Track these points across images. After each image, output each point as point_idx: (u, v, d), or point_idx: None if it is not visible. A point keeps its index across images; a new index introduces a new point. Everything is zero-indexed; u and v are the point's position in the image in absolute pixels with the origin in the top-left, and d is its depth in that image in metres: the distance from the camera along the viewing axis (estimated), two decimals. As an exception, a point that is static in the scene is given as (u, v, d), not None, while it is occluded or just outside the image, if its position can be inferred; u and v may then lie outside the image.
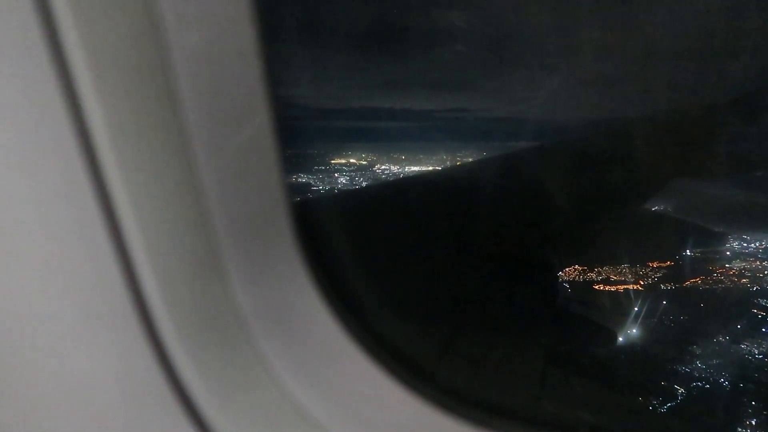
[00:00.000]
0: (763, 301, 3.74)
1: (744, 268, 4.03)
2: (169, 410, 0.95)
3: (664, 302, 3.81)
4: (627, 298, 3.84)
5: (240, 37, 0.89)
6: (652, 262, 3.99)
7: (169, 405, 0.94)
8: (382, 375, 1.06)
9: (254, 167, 0.99)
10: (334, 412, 1.05)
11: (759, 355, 3.39)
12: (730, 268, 4.05)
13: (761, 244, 4.16)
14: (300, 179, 5.21)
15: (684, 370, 3.41)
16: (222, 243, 0.98)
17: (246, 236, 1.03)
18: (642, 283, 3.88)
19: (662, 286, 3.87)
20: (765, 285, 3.91)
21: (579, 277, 3.67)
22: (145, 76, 0.84)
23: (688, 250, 4.14)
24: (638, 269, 3.98)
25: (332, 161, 5.86)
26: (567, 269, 3.24)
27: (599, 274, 3.79)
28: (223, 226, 0.97)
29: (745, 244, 4.19)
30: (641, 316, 3.62)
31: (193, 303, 0.97)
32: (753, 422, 2.91)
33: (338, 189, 5.31)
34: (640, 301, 3.75)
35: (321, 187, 5.27)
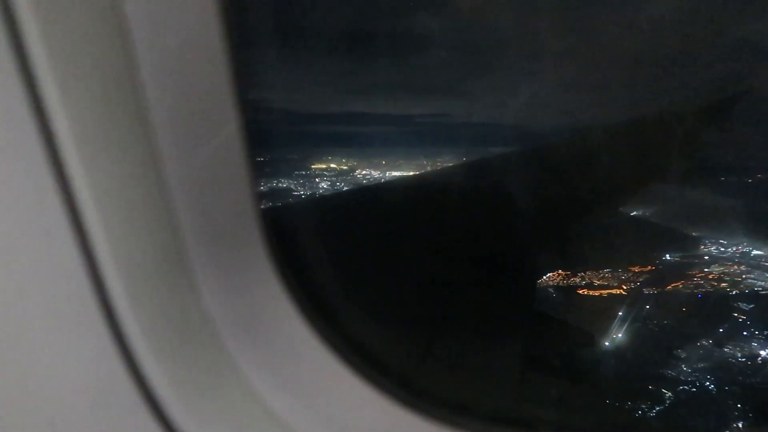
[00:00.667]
0: (742, 305, 3.79)
1: (723, 273, 4.08)
2: (136, 413, 0.91)
3: (644, 306, 3.84)
4: (605, 302, 3.87)
5: (208, 42, 0.86)
6: (631, 266, 4.02)
7: (136, 408, 0.91)
8: (351, 375, 1.05)
9: (223, 171, 0.95)
10: (303, 414, 1.03)
11: (741, 357, 3.43)
12: (710, 272, 4.09)
13: (738, 249, 4.22)
14: (281, 184, 5.19)
15: (665, 372, 3.44)
16: (190, 247, 0.96)
17: (215, 240, 0.99)
18: (621, 287, 3.91)
19: (641, 291, 3.90)
20: (744, 289, 3.96)
21: (557, 281, 3.69)
22: (111, 80, 0.86)
23: (667, 255, 4.18)
24: (617, 274, 4.01)
25: (313, 166, 5.84)
26: (545, 273, 3.25)
27: (578, 278, 3.81)
28: (192, 230, 0.96)
29: (722, 249, 4.24)
30: (620, 320, 3.64)
31: (161, 306, 0.94)
32: (733, 423, 2.94)
33: (313, 193, 5.29)
34: (618, 305, 3.78)
35: (302, 192, 5.24)
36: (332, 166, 5.95)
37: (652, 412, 3.04)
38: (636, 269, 4.00)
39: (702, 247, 4.25)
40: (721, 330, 3.58)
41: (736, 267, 4.05)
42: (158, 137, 0.89)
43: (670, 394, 3.19)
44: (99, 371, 0.89)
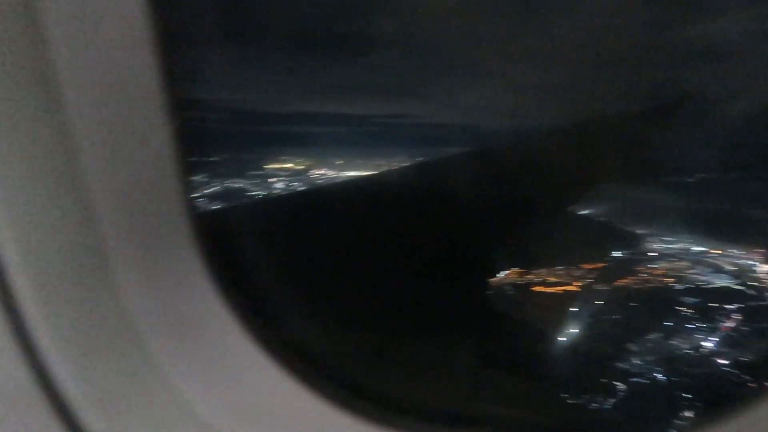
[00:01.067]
0: (688, 299, 3.95)
1: (669, 268, 4.23)
2: (40, 415, 0.88)
3: (594, 302, 3.95)
4: (555, 299, 3.95)
5: (135, 37, 0.84)
6: (581, 264, 4.13)
7: (41, 409, 0.88)
8: (284, 375, 1.03)
9: (149, 170, 0.93)
10: (229, 413, 1.01)
11: (689, 350, 3.57)
12: (656, 268, 4.23)
13: (682, 246, 4.39)
14: (235, 184, 5.12)
15: (617, 365, 3.54)
16: (111, 248, 0.93)
17: (141, 241, 0.96)
18: (571, 284, 4.01)
19: (590, 288, 4.01)
20: (688, 284, 4.12)
21: (507, 280, 3.76)
22: (26, 77, 0.79)
23: (614, 252, 4.31)
24: (566, 271, 4.11)
25: (267, 166, 5.77)
26: (493, 272, 3.30)
27: (528, 276, 3.89)
28: (114, 230, 0.92)
29: (667, 246, 4.40)
30: (571, 316, 3.74)
31: (75, 308, 0.91)
32: (683, 413, 3.06)
33: (260, 194, 5.23)
34: (570, 302, 3.87)
35: (256, 192, 5.18)
36: (287, 166, 5.90)
37: (606, 405, 3.12)
38: (586, 266, 4.11)
39: (648, 244, 4.40)
40: (669, 324, 3.72)
41: (680, 263, 4.20)
42: (76, 132, 0.86)
43: (622, 386, 3.28)
44: (4, 375, 0.87)
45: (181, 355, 1.00)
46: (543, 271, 3.93)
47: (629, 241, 4.42)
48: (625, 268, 4.18)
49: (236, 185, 5.06)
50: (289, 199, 4.44)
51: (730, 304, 3.68)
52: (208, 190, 4.65)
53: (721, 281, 3.94)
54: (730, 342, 3.48)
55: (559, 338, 3.55)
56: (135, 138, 0.90)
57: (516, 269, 3.76)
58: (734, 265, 4.04)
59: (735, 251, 4.18)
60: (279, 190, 5.29)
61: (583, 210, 4.21)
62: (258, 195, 5.16)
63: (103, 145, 0.88)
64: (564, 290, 3.89)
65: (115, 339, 0.96)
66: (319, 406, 1.01)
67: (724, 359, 3.36)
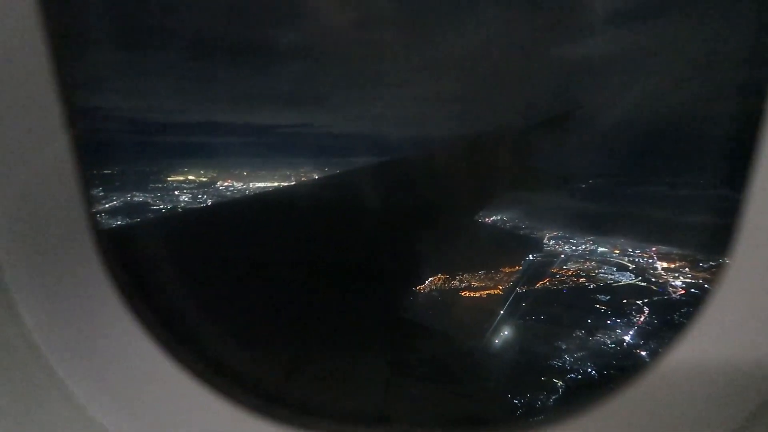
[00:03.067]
0: (601, 297, 4.23)
1: (579, 269, 4.51)
2: None
3: (514, 305, 4.11)
4: (474, 305, 4.08)
5: (31, 47, 0.81)
6: (493, 269, 4.30)
7: None
8: (194, 384, 1.00)
9: (48, 183, 0.89)
10: (139, 427, 0.98)
11: (612, 344, 3.80)
12: (568, 269, 4.49)
13: (586, 247, 4.71)
14: (136, 198, 4.81)
15: (537, 366, 3.69)
16: (7, 268, 0.90)
17: (40, 259, 0.93)
18: (486, 289, 4.15)
19: (506, 292, 4.17)
20: (599, 282, 4.41)
21: (426, 287, 3.82)
22: None
23: (528, 256, 4.53)
24: (478, 277, 4.26)
25: (169, 178, 5.48)
26: (406, 280, 3.33)
27: (435, 284, 3.98)
28: (9, 249, 0.89)
29: (574, 247, 4.70)
30: (492, 320, 3.86)
31: None
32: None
33: (166, 207, 4.98)
34: (486, 307, 4.00)
35: (160, 205, 4.90)
36: (191, 177, 5.64)
37: (536, 402, 3.23)
38: (505, 270, 4.27)
39: (556, 246, 4.67)
40: (588, 321, 3.94)
41: (588, 263, 4.50)
42: None
43: (555, 383, 3.41)
44: None
45: (85, 371, 0.97)
46: (452, 277, 4.02)
47: (538, 245, 4.65)
48: (541, 270, 4.39)
49: (138, 198, 4.76)
50: (196, 210, 4.26)
51: (639, 300, 3.98)
52: (109, 203, 4.37)
53: (626, 279, 4.25)
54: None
55: (480, 340, 3.65)
56: (30, 148, 0.86)
57: (440, 275, 3.84)
58: (634, 263, 4.38)
59: (631, 250, 4.53)
60: (184, 203, 5.05)
61: (489, 216, 4.39)
62: (162, 208, 4.88)
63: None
64: (488, 294, 4.01)
65: (15, 356, 0.93)
66: (229, 412, 1.00)
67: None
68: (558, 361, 3.45)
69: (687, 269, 4.10)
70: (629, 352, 3.58)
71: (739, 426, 0.86)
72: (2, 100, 0.82)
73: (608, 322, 3.84)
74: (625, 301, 3.96)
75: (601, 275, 4.32)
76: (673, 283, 4.07)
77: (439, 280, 3.80)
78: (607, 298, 4.07)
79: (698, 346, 0.86)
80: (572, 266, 4.46)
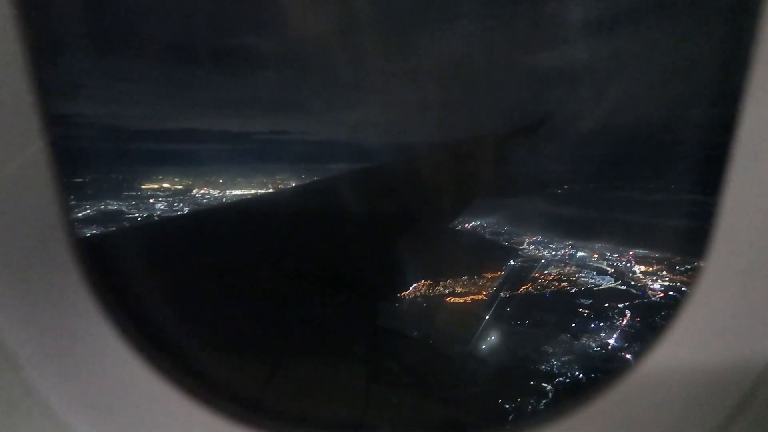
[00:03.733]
0: (584, 300, 4.27)
1: (560, 273, 4.54)
2: None
3: (498, 310, 4.11)
4: (457, 310, 4.07)
5: (6, 52, 0.81)
6: (475, 275, 4.30)
7: None
8: (173, 393, 1.00)
9: (23, 192, 0.89)
10: (105, 428, 0.98)
11: (598, 347, 3.82)
12: (549, 274, 4.53)
13: (565, 252, 4.75)
14: (110, 206, 4.71)
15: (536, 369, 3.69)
16: None
17: (15, 268, 0.92)
18: (469, 295, 4.15)
19: (489, 297, 4.18)
20: (580, 286, 4.44)
21: (413, 292, 3.81)
22: None
23: (510, 261, 4.55)
24: (461, 283, 4.26)
25: (143, 186, 5.38)
26: (385, 287, 3.30)
27: (417, 291, 3.98)
28: None
29: (554, 252, 4.73)
30: (479, 325, 3.86)
31: None
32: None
33: (140, 215, 4.90)
34: (470, 312, 4.00)
35: (135, 214, 4.81)
36: (165, 185, 5.55)
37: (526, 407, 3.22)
38: (487, 275, 4.28)
39: (536, 251, 4.70)
40: (573, 324, 3.97)
41: (568, 267, 4.53)
42: None
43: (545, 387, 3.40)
44: None
45: (62, 379, 0.96)
46: (434, 284, 4.01)
47: (517, 250, 4.68)
48: (522, 275, 4.41)
49: (113, 207, 4.66)
50: (173, 218, 4.20)
51: (620, 303, 4.02)
52: (83, 212, 4.27)
53: (606, 282, 4.30)
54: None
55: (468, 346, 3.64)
56: (5, 154, 0.85)
57: (421, 282, 3.82)
58: (613, 267, 4.43)
59: (609, 254, 4.58)
60: (160, 211, 4.96)
61: (469, 222, 4.39)
62: (138, 216, 4.79)
63: None
64: (471, 299, 4.01)
65: None
66: (209, 420, 0.99)
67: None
68: (546, 366, 3.46)
69: (664, 272, 4.17)
70: (614, 354, 3.61)
71: (718, 425, 0.87)
72: None
73: (592, 325, 3.87)
74: (606, 304, 4.00)
75: (582, 279, 4.36)
76: (652, 286, 4.13)
77: (420, 286, 3.79)
78: (589, 301, 4.10)
79: (677, 348, 0.87)
80: (553, 271, 4.50)
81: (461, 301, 3.97)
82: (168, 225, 2.99)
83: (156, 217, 4.89)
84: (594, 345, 3.67)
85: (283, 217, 2.65)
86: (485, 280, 4.17)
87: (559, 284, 4.32)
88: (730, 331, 0.84)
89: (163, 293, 1.48)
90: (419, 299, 3.79)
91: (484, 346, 3.67)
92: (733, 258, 0.83)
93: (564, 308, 4.11)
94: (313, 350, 1.97)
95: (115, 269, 1.15)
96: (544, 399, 3.21)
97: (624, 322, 3.80)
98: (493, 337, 3.78)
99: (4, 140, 0.84)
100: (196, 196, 5.36)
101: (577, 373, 3.39)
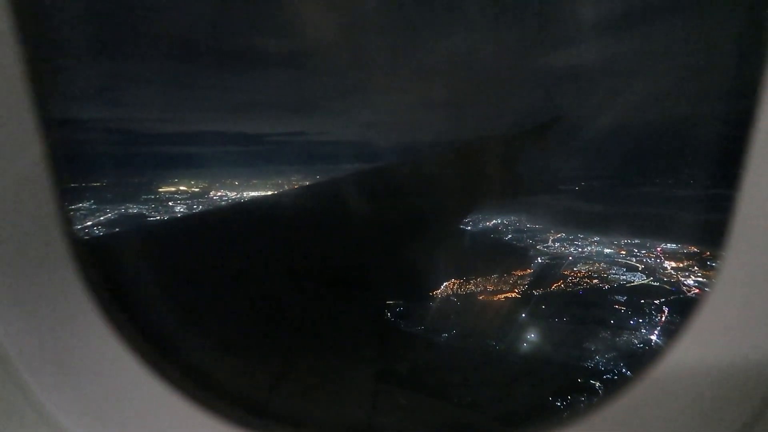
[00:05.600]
0: (618, 297, 4.25)
1: (589, 270, 4.52)
2: None
3: (531, 308, 4.09)
4: (494, 306, 4.05)
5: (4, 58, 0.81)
6: (505, 273, 4.28)
7: None
8: (178, 399, 1.00)
9: (23, 196, 0.90)
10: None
11: (641, 344, 3.80)
12: (579, 271, 4.50)
13: (592, 249, 4.72)
14: (130, 210, 4.71)
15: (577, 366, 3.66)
16: None
17: (13, 271, 0.93)
18: (510, 291, 4.13)
19: (521, 295, 4.16)
20: (613, 283, 4.43)
21: (444, 290, 3.79)
22: None
23: (538, 259, 4.53)
24: (492, 281, 4.24)
25: (160, 189, 5.37)
26: (400, 288, 3.28)
27: (467, 286, 3.95)
28: None
29: (580, 249, 4.71)
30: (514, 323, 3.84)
31: None
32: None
33: (156, 218, 4.91)
34: (510, 309, 3.98)
35: (156, 216, 4.81)
36: (182, 188, 5.55)
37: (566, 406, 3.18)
38: (517, 274, 4.26)
39: (562, 249, 4.69)
40: (612, 321, 3.94)
41: (597, 264, 4.51)
42: None
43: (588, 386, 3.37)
44: None
45: (61, 384, 0.96)
46: (458, 284, 3.99)
47: (543, 248, 4.66)
48: (553, 272, 4.39)
49: (133, 210, 4.66)
50: (177, 219, 4.19)
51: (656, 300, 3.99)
52: (104, 215, 4.27)
53: (638, 279, 4.27)
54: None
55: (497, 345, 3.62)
56: (4, 157, 0.86)
57: (454, 280, 3.80)
58: (642, 263, 4.41)
59: (637, 250, 4.56)
60: (180, 213, 4.96)
61: (491, 221, 4.39)
62: (159, 218, 4.80)
63: None
64: (504, 297, 3.99)
65: None
66: (212, 425, 1.00)
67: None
68: (591, 363, 3.44)
69: (696, 268, 4.14)
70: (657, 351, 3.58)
71: (739, 428, 0.84)
72: None
73: (631, 322, 3.84)
74: (642, 301, 3.97)
75: (613, 276, 4.34)
76: (685, 282, 4.11)
77: (451, 285, 3.77)
78: (624, 298, 4.08)
79: (693, 350, 0.85)
80: (582, 268, 4.48)
81: (495, 299, 3.95)
82: (171, 226, 2.98)
83: (155, 219, 4.90)
84: (637, 342, 3.65)
85: (292, 217, 2.63)
86: (515, 278, 4.15)
87: (591, 281, 4.31)
88: (748, 333, 0.82)
89: (163, 296, 1.51)
90: (452, 298, 3.78)
91: (525, 344, 3.65)
92: (752, 255, 0.80)
93: (600, 305, 4.09)
94: (322, 352, 1.95)
95: (114, 272, 1.15)
96: (595, 397, 3.19)
97: (663, 318, 3.78)
98: (533, 335, 3.76)
99: (4, 144, 0.84)
100: (214, 198, 5.37)
101: (624, 370, 3.37)
